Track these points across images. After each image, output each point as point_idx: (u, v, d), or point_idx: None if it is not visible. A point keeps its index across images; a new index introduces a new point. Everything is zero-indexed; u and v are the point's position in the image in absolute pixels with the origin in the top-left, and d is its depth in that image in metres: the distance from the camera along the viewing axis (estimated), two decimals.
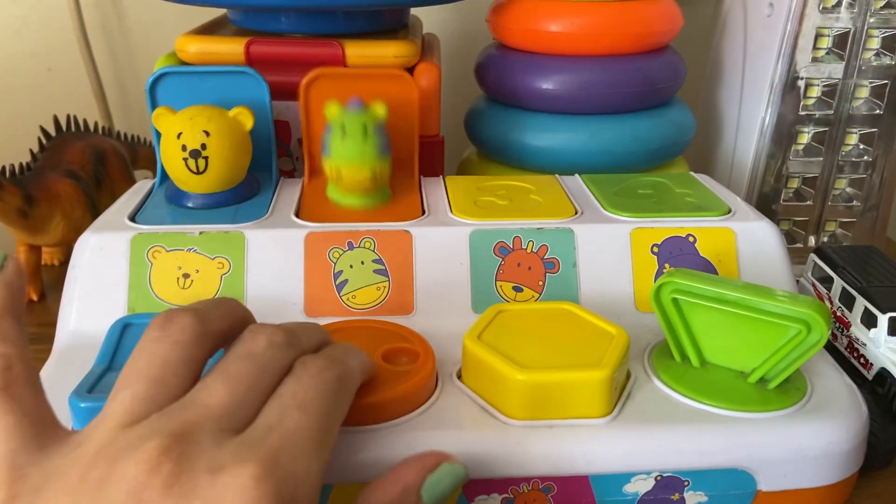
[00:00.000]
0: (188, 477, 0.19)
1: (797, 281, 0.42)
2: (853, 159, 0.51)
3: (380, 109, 0.39)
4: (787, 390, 0.31)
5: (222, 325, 0.25)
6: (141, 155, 0.60)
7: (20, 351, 0.23)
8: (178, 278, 0.36)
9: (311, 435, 0.22)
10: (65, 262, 0.55)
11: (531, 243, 0.38)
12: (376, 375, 0.30)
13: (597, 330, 0.32)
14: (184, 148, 0.37)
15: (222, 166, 0.38)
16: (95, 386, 0.30)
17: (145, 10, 0.72)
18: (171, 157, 0.38)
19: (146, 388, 0.22)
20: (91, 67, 0.70)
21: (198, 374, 0.23)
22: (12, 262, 0.25)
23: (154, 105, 0.41)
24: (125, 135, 0.59)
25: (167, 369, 0.22)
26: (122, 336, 0.33)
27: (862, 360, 0.37)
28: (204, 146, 0.37)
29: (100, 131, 0.56)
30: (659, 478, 0.30)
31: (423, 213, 0.40)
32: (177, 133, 0.38)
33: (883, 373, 0.35)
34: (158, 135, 0.39)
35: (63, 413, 0.29)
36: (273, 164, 0.43)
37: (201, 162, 0.38)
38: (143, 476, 0.19)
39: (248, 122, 0.39)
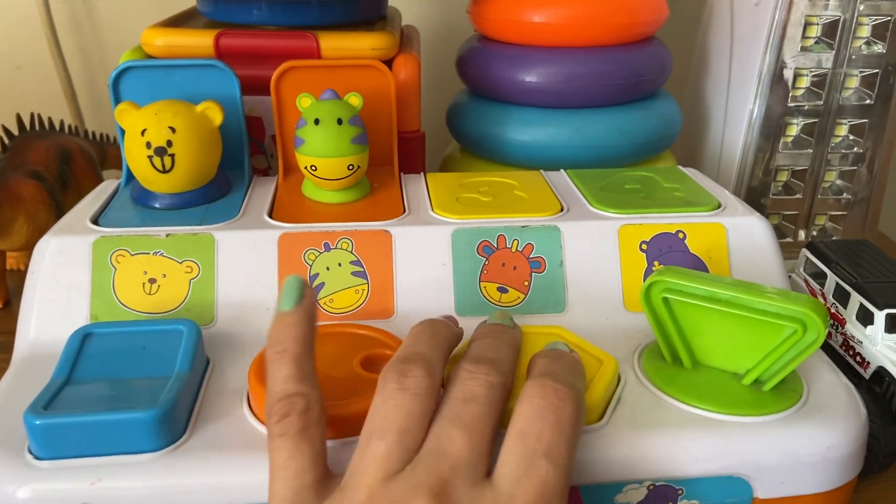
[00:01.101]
0: None
1: (789, 277, 0.41)
2: (843, 151, 0.50)
3: (355, 100, 0.38)
4: (782, 392, 0.30)
5: (443, 368, 0.27)
6: (110, 154, 0.57)
7: (317, 392, 0.25)
8: (143, 283, 0.34)
9: (560, 485, 0.22)
10: None
11: (516, 242, 0.36)
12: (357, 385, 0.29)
13: (584, 357, 0.30)
14: (148, 145, 0.35)
15: (190, 164, 0.36)
16: (52, 401, 0.28)
17: (115, 5, 0.70)
18: (135, 156, 0.36)
19: (398, 439, 0.23)
20: (61, 65, 0.68)
21: (430, 421, 0.24)
22: (310, 291, 0.27)
23: (118, 101, 0.39)
24: (94, 133, 0.57)
25: (412, 420, 0.24)
26: (83, 347, 0.31)
27: (858, 358, 0.36)
28: (170, 143, 0.36)
29: (66, 130, 0.54)
30: (652, 487, 0.28)
31: (404, 211, 0.38)
32: (141, 130, 0.36)
33: (881, 371, 0.34)
34: (123, 132, 0.37)
35: (18, 429, 0.27)
36: (245, 161, 0.42)
37: (167, 160, 0.36)
38: None
39: (217, 117, 0.37)
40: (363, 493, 0.22)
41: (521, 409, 0.24)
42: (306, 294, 0.26)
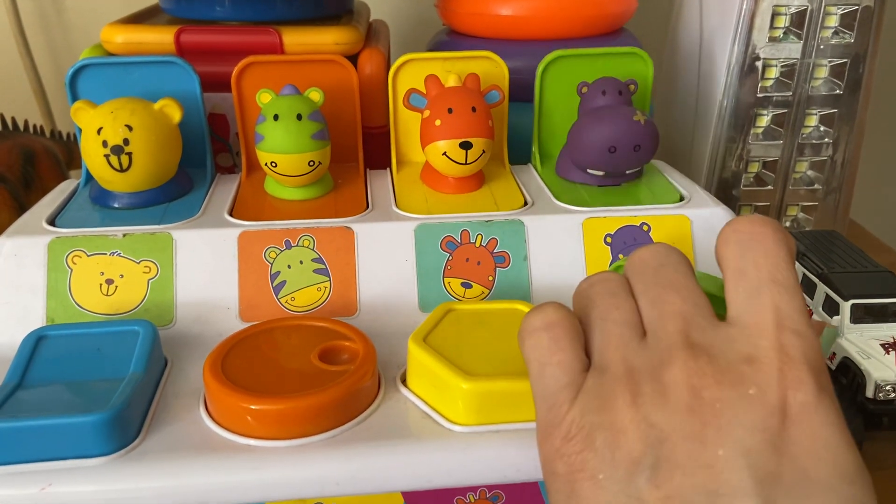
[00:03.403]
0: (730, 371, 0.21)
1: None
2: (814, 141, 0.50)
3: (315, 95, 0.37)
4: None
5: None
6: (78, 154, 0.57)
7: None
8: (100, 284, 0.34)
9: (795, 303, 0.22)
10: None
11: (480, 237, 0.36)
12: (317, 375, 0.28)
13: None
14: (105, 144, 0.35)
15: (148, 163, 0.36)
16: (2, 406, 0.27)
17: (84, 3, 0.69)
18: (92, 155, 0.35)
19: (617, 316, 0.24)
20: (29, 63, 0.67)
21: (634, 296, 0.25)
22: None
23: (75, 100, 0.39)
24: (61, 133, 0.56)
25: (617, 297, 0.25)
26: (36, 350, 0.30)
27: None
28: (126, 141, 0.35)
29: (30, 130, 0.53)
30: None
31: (367, 207, 0.38)
32: (97, 128, 0.35)
33: (846, 362, 0.34)
34: (81, 131, 0.37)
35: None
36: (208, 159, 0.41)
37: (124, 158, 0.35)
38: (694, 379, 0.21)
39: (176, 114, 0.37)
40: (619, 367, 0.23)
41: (726, 253, 0.23)
42: None
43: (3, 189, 0.47)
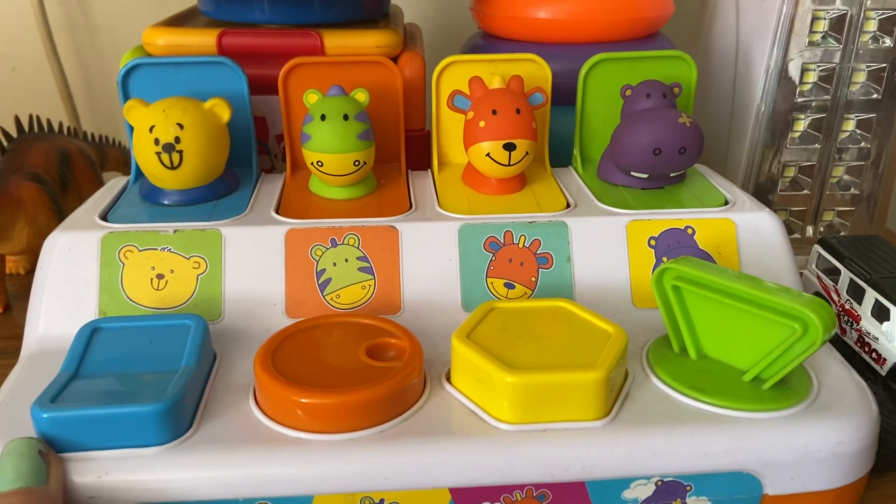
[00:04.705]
0: None
1: (800, 273, 0.41)
2: (851, 146, 0.49)
3: (361, 96, 0.38)
4: (784, 391, 0.30)
5: None
6: (110, 156, 0.57)
7: None
8: (151, 279, 0.34)
9: None
10: (31, 271, 0.52)
11: (523, 238, 0.36)
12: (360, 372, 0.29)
13: (593, 328, 0.30)
14: (157, 142, 0.36)
15: (198, 161, 0.36)
16: (60, 395, 0.28)
17: (112, 6, 0.69)
18: (143, 152, 0.36)
19: None
20: (56, 66, 0.67)
21: None
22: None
23: (127, 99, 0.39)
24: (93, 135, 0.57)
25: None
26: (91, 341, 0.31)
27: (874, 354, 0.35)
28: (178, 140, 0.36)
29: (65, 132, 0.53)
30: (660, 483, 0.28)
31: (410, 207, 0.38)
32: (149, 126, 0.36)
33: None
34: (131, 129, 0.37)
35: (26, 422, 0.27)
36: (253, 158, 0.42)
37: (175, 156, 0.36)
38: None
39: (225, 113, 0.37)
40: None
41: None
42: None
43: (41, 190, 0.47)
